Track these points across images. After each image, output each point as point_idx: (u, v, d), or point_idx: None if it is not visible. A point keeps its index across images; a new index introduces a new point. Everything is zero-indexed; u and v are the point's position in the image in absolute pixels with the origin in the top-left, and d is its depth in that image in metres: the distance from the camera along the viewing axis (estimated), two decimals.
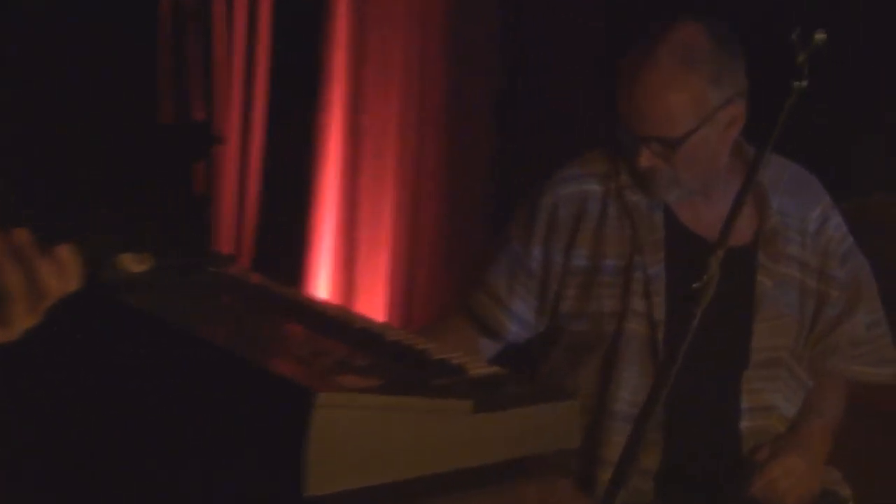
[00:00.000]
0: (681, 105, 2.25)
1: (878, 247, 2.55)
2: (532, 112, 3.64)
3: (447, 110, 3.54)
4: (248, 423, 1.67)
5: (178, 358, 1.84)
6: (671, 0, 3.24)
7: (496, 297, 2.43)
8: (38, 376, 2.07)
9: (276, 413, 1.61)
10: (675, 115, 2.25)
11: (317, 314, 1.97)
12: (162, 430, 1.83)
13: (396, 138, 3.40)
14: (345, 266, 3.32)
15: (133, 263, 2.03)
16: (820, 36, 1.90)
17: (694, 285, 1.77)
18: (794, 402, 2.40)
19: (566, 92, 3.59)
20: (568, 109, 3.59)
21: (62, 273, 1.43)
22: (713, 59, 2.27)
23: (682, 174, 2.30)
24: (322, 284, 3.24)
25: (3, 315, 1.43)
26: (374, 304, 3.31)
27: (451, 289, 3.47)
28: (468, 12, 3.54)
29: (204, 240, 2.93)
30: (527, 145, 3.59)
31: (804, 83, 1.90)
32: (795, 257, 2.40)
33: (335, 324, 1.93)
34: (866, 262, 2.48)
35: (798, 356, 2.41)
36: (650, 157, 2.29)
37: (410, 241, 3.48)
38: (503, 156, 3.62)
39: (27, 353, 2.10)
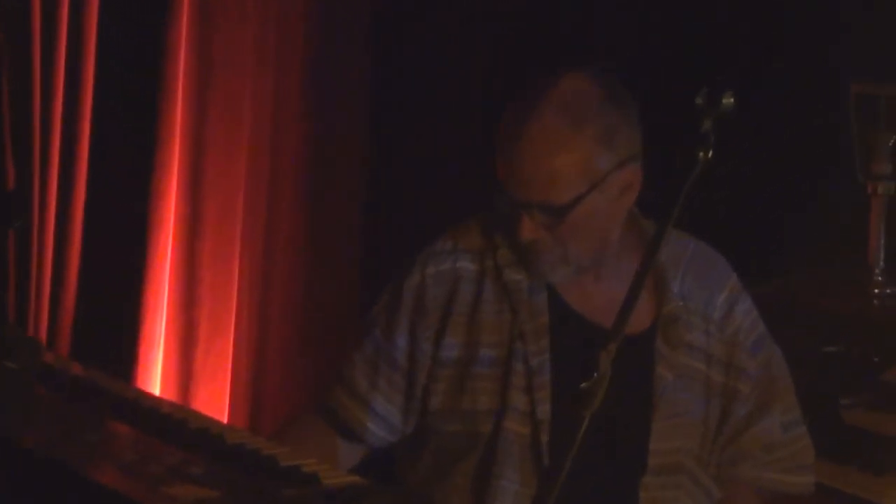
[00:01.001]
0: (566, 167, 2.30)
1: (790, 336, 2.65)
2: (404, 172, 3.72)
3: (305, 167, 3.60)
4: None
5: None
6: (560, 48, 3.40)
7: (356, 395, 2.47)
8: None
9: None
10: (560, 178, 2.31)
11: (147, 412, 1.99)
12: None
13: (244, 199, 3.44)
14: (181, 351, 3.35)
15: None
16: (727, 100, 1.99)
17: (582, 385, 1.83)
18: None
19: (442, 151, 3.68)
20: (444, 172, 3.69)
21: None
22: (603, 116, 2.34)
23: (570, 248, 2.36)
24: (153, 374, 3.26)
25: None
26: (215, 397, 3.33)
27: (306, 379, 3.52)
28: (332, 58, 3.62)
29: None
30: (398, 211, 3.67)
31: (710, 153, 1.99)
32: (699, 347, 2.46)
33: (168, 423, 1.95)
34: (779, 352, 2.55)
35: (703, 462, 2.47)
36: (533, 229, 2.33)
37: (260, 321, 3.52)
38: (371, 221, 3.69)
39: None
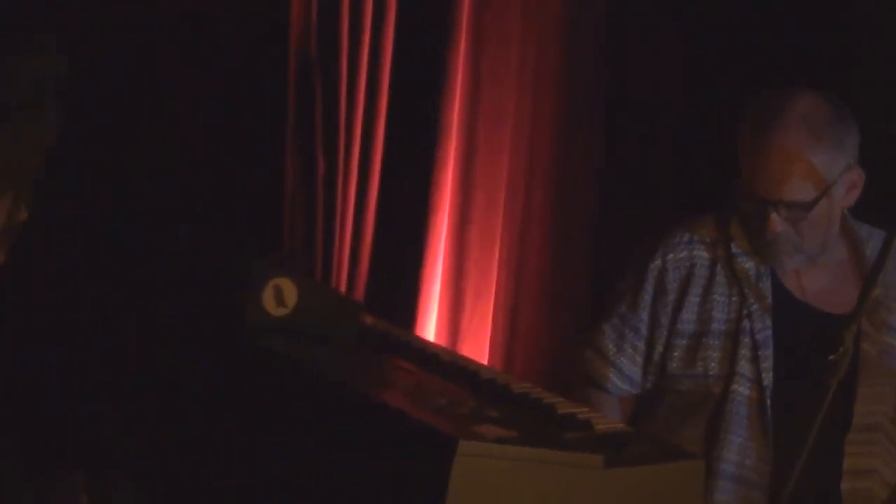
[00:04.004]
0: (811, 170, 2.31)
1: None
2: (634, 170, 3.70)
3: (554, 167, 3.60)
4: (391, 467, 1.71)
5: (319, 403, 1.88)
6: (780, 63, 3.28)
7: (604, 356, 2.50)
8: (180, 413, 2.12)
9: (419, 459, 1.66)
10: (805, 179, 2.32)
11: (447, 364, 2.01)
12: (302, 475, 1.85)
13: (505, 192, 3.46)
14: (451, 314, 3.38)
15: (274, 307, 2.09)
16: None
17: (830, 357, 1.83)
18: (893, 467, 2.44)
19: (667, 154, 3.66)
20: (668, 171, 3.66)
21: None
22: (835, 126, 2.35)
23: (805, 240, 2.36)
24: (429, 332, 3.30)
25: None
26: (476, 352, 3.36)
27: (550, 335, 3.53)
28: (577, 74, 3.61)
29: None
30: (628, 203, 3.65)
31: None
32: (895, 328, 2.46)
33: (464, 374, 1.97)
34: None
35: None
36: (780, 223, 2.34)
37: (514, 292, 3.54)
38: (606, 211, 3.69)
39: (167, 388, 2.17)
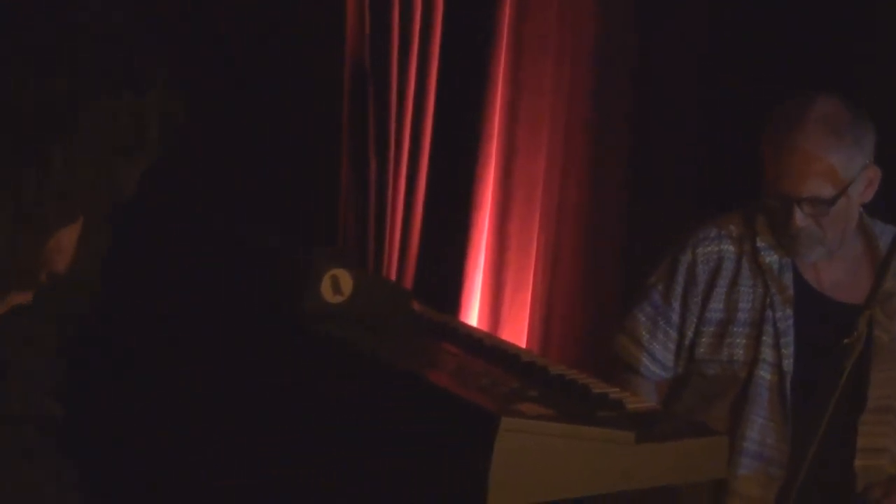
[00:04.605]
0: (832, 167, 2.30)
1: None
2: (659, 170, 3.69)
3: (587, 167, 3.60)
4: (439, 442, 1.71)
5: (372, 382, 1.88)
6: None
7: (638, 342, 2.50)
8: (248, 391, 2.13)
9: (465, 434, 1.66)
10: (829, 176, 2.30)
11: (490, 348, 2.01)
12: (356, 449, 1.85)
13: (542, 190, 3.46)
14: (492, 302, 3.38)
15: (332, 295, 2.10)
16: None
17: (845, 341, 1.82)
18: None
19: (691, 155, 3.64)
20: (692, 171, 3.65)
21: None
22: (854, 126, 2.34)
23: (827, 234, 2.35)
24: (472, 318, 3.30)
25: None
26: (515, 337, 3.36)
27: (583, 323, 3.53)
28: (608, 83, 3.61)
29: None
30: (654, 201, 3.65)
31: None
32: None
33: (505, 357, 1.97)
34: None
35: None
36: (803, 218, 2.33)
37: (550, 282, 3.54)
38: (635, 208, 3.68)
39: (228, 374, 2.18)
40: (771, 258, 2.42)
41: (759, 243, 2.44)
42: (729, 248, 2.47)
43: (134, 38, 1.24)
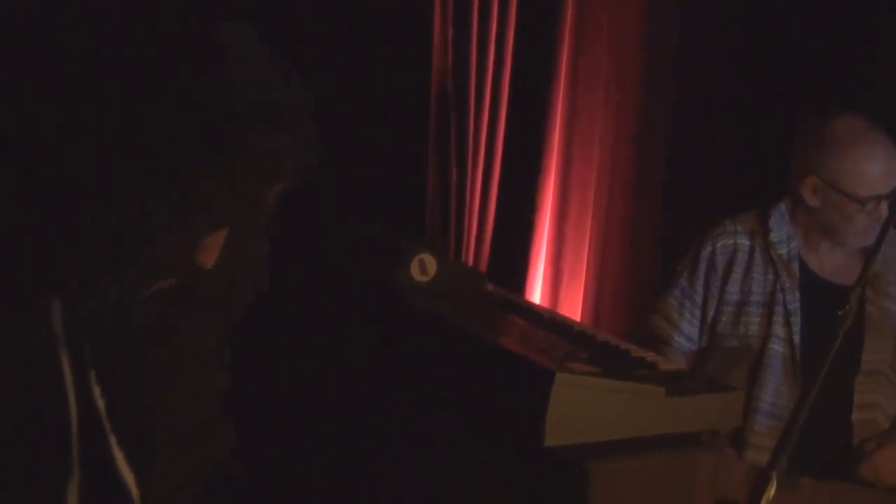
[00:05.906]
0: None
1: None
2: (692, 181, 3.69)
3: (632, 177, 3.60)
4: (503, 393, 1.76)
5: (451, 345, 1.93)
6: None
7: (669, 320, 2.52)
8: (336, 365, 2.18)
9: (525, 387, 1.71)
10: None
11: (548, 320, 2.07)
12: (436, 398, 1.90)
13: (594, 195, 3.47)
14: (551, 291, 3.40)
15: (419, 275, 2.15)
16: None
17: (839, 312, 1.82)
18: (892, 403, 2.42)
19: (719, 165, 3.63)
20: (719, 180, 3.63)
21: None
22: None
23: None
24: (535, 298, 3.32)
25: None
26: (571, 312, 3.38)
27: (627, 304, 3.53)
28: (650, 107, 3.61)
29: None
30: (685, 200, 3.64)
31: None
32: (893, 296, 2.43)
33: (561, 326, 2.03)
34: None
35: (894, 368, 2.43)
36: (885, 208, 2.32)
37: (599, 273, 3.56)
38: (669, 208, 3.67)
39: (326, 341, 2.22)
40: (781, 250, 2.43)
41: (771, 237, 2.45)
42: (744, 242, 2.48)
43: (287, 92, 1.23)
